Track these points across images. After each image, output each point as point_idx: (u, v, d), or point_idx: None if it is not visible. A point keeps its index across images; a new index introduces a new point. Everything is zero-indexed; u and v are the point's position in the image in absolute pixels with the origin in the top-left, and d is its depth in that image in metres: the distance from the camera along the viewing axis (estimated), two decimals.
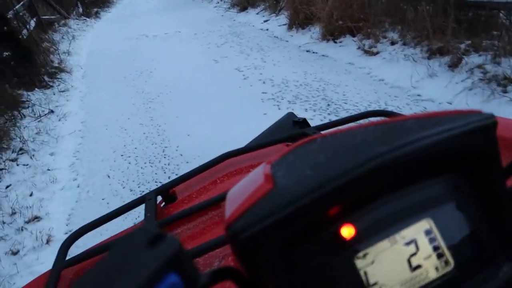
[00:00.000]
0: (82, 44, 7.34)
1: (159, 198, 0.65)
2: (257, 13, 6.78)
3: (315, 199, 0.26)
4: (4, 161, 3.10)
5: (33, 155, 3.21)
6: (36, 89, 4.65)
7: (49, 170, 2.99)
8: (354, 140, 0.29)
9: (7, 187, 2.81)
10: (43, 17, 8.34)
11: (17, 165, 3.09)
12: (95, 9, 11.91)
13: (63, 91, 4.75)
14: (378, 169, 0.27)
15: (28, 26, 6.25)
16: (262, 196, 0.27)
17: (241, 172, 0.67)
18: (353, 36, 4.57)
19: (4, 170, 2.99)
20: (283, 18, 5.93)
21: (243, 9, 7.47)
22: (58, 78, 5.16)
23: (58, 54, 6.20)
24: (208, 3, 9.95)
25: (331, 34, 4.74)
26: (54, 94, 4.63)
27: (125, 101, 4.19)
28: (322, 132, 0.68)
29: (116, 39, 7.44)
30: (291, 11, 5.57)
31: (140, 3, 14.42)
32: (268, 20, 6.26)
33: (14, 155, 3.21)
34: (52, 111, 4.13)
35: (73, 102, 4.41)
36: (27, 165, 3.09)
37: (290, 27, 5.50)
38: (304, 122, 0.93)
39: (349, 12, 4.69)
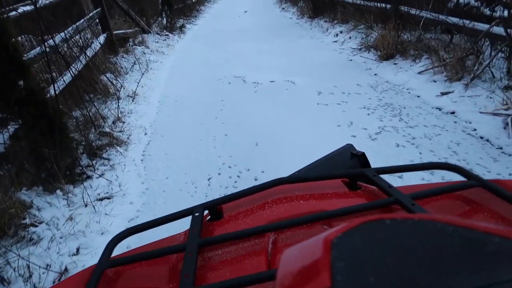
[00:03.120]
0: (156, 80, 5.37)
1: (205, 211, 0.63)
2: (419, 73, 4.30)
3: None
4: None
5: None
6: (59, 188, 2.63)
7: None
8: (433, 247, 0.26)
9: None
10: (117, 32, 6.58)
11: None
12: (181, 21, 10.17)
13: (101, 199, 2.67)
14: None
15: (82, 55, 4.37)
16: None
17: (290, 201, 0.61)
18: None
19: None
20: (481, 94, 3.44)
21: (388, 57, 5.04)
22: (104, 159, 3.13)
23: (117, 98, 4.23)
24: (321, 33, 7.64)
25: None
26: (85, 206, 2.56)
27: None
28: (381, 175, 0.61)
29: (201, 77, 5.38)
30: None
31: (232, 17, 12.57)
32: (452, 92, 3.74)
33: None
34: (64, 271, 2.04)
35: (114, 228, 2.32)
36: None
37: None
38: (362, 156, 0.90)
39: None
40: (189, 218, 0.60)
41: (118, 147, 3.29)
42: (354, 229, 0.29)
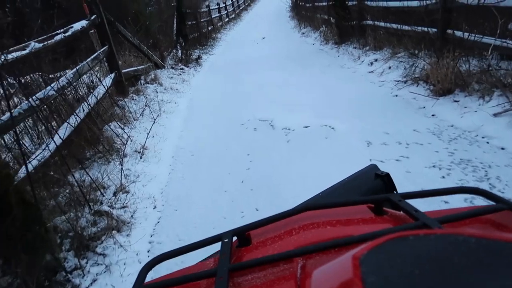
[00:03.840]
0: (170, 127, 4.64)
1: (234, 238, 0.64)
2: (494, 114, 3.42)
3: None
4: None
5: None
6: None
7: None
8: (458, 259, 0.28)
9: None
10: (127, 70, 5.95)
11: None
12: (197, 52, 9.59)
13: None
14: None
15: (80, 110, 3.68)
16: None
17: (317, 227, 0.61)
18: None
19: None
20: None
21: (445, 92, 4.18)
22: (98, 254, 2.34)
23: (122, 156, 3.49)
24: (352, 61, 6.85)
25: None
26: None
27: None
28: (407, 200, 0.62)
29: (221, 121, 4.63)
30: None
31: (250, 44, 11.99)
32: None
33: None
34: None
35: None
36: None
37: None
38: (387, 177, 0.89)
39: None
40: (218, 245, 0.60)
41: (117, 235, 2.50)
42: (380, 246, 0.30)
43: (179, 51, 8.52)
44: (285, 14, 21.26)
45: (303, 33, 12.76)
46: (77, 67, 4.14)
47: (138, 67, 6.44)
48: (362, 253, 0.30)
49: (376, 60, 6.29)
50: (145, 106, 5.15)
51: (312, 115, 4.23)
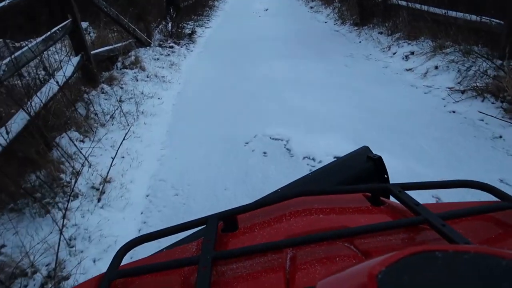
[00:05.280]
0: (148, 140, 3.40)
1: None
2: None
3: None
4: None
5: None
6: None
7: None
8: None
9: None
10: (99, 51, 4.64)
11: None
12: (191, 24, 8.18)
13: None
14: None
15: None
16: None
17: (310, 214, 0.57)
18: None
19: None
20: None
21: None
22: None
23: (69, 199, 2.31)
24: (380, 51, 5.58)
25: None
26: None
27: None
28: (406, 191, 0.58)
29: (217, 136, 3.41)
30: None
31: (251, 17, 10.54)
32: None
33: None
34: None
35: None
36: None
37: None
38: (379, 160, 0.87)
39: None
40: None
41: None
42: (401, 262, 0.27)
43: (169, 24, 7.12)
44: None
45: (311, 8, 11.31)
46: (15, 54, 2.86)
47: (115, 45, 5.11)
48: (379, 270, 0.26)
49: (412, 53, 5.05)
50: (119, 102, 3.90)
51: (345, 139, 3.05)
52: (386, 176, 0.87)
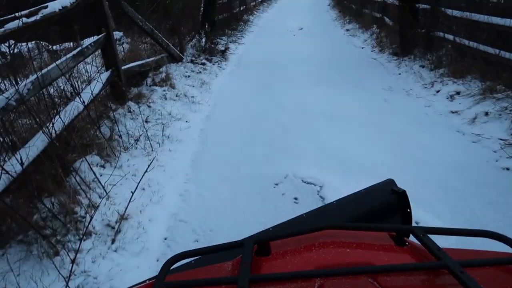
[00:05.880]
0: (171, 170, 3.18)
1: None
2: None
3: None
4: None
5: None
6: None
7: None
8: None
9: None
10: (130, 66, 4.52)
11: None
12: (224, 40, 8.05)
13: None
14: None
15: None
16: None
17: (337, 247, 0.60)
18: None
19: None
20: None
21: None
22: None
23: (82, 238, 2.11)
24: (421, 87, 5.24)
25: None
26: None
27: None
28: (429, 235, 0.59)
29: (245, 173, 3.18)
30: None
31: (285, 35, 10.38)
32: None
33: None
34: None
35: None
36: None
37: None
38: (403, 194, 0.87)
39: None
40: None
41: None
42: None
43: (203, 39, 7.00)
44: (324, 1, 19.38)
45: (348, 30, 11.05)
46: (40, 73, 2.71)
47: (147, 60, 4.98)
48: None
49: (458, 93, 4.70)
50: (144, 123, 3.72)
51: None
52: (409, 210, 0.87)
